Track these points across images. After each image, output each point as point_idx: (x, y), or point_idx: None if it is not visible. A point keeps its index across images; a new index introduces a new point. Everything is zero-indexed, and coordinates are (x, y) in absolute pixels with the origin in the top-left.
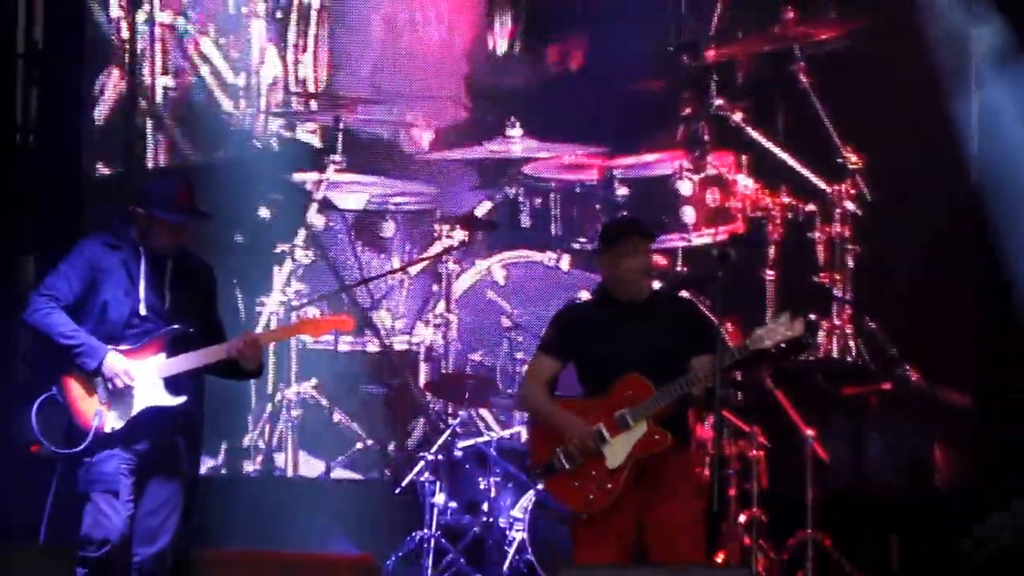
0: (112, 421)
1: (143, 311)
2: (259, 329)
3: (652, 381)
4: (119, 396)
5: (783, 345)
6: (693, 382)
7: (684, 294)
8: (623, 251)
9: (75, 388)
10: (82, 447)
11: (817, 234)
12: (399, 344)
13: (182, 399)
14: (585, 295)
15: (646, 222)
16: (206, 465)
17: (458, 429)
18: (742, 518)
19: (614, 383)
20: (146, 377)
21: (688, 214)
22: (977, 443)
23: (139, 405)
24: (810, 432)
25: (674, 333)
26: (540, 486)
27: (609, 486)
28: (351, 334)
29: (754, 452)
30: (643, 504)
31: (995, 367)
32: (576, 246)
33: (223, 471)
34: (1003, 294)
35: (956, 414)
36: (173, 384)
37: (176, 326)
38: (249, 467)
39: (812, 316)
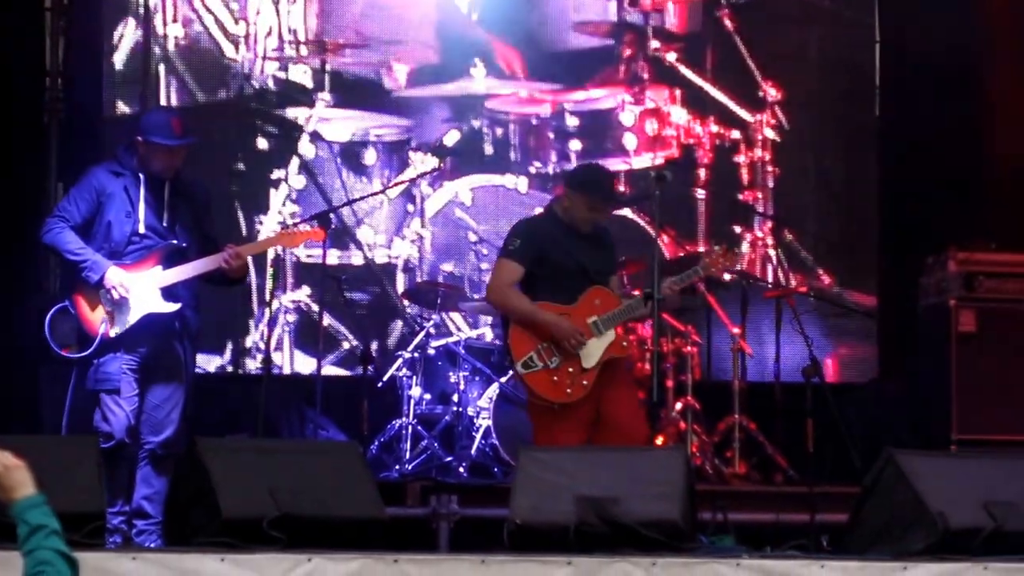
0: (116, 327)
1: (142, 229)
2: None
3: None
4: (120, 305)
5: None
6: (660, 303)
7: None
8: (586, 203)
9: (84, 300)
10: (90, 351)
11: (741, 158)
12: (380, 257)
13: (177, 306)
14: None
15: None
16: (214, 363)
17: (431, 330)
18: (678, 406)
19: (582, 293)
20: (144, 287)
21: (630, 141)
22: (880, 338)
23: (138, 312)
24: (736, 330)
25: (611, 255)
26: (504, 379)
27: (584, 382)
28: (337, 248)
29: (688, 348)
30: (599, 393)
31: (894, 272)
32: (532, 170)
33: (229, 369)
34: (900, 206)
35: (862, 313)
36: (169, 293)
37: (171, 241)
38: (251, 365)
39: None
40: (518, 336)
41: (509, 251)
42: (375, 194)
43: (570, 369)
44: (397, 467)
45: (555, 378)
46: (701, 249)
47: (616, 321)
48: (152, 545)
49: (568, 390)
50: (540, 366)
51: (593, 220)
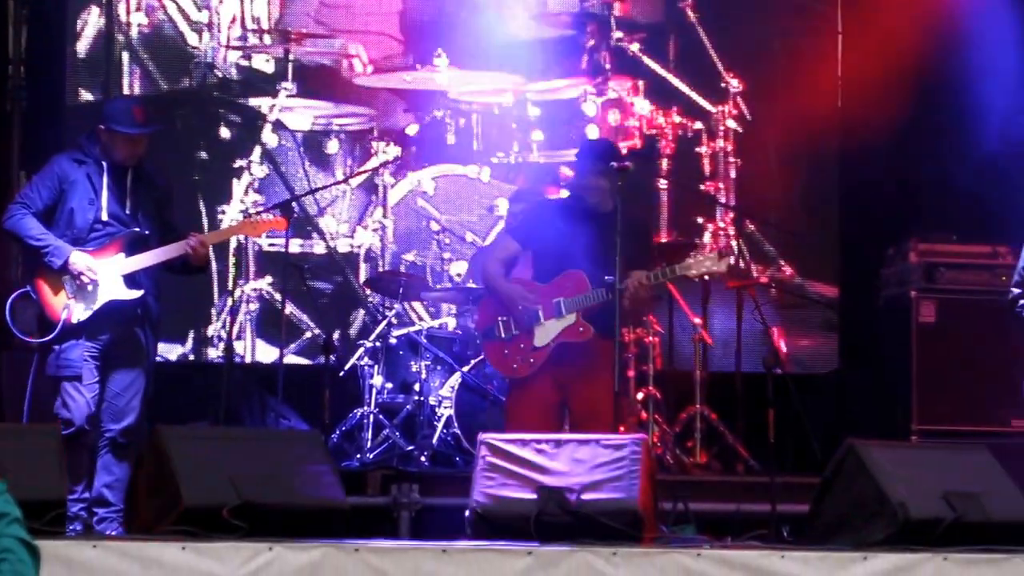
0: (78, 313)
1: (104, 217)
2: None
3: (592, 280)
4: (83, 291)
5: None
6: (621, 293)
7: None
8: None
9: (46, 286)
10: (52, 337)
11: (704, 148)
12: (342, 246)
13: (139, 293)
14: (503, 203)
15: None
16: (176, 352)
17: (393, 320)
18: (640, 395)
19: (559, 274)
20: (107, 274)
21: (592, 132)
22: (841, 329)
23: (101, 299)
24: (697, 320)
25: (624, 242)
26: (466, 369)
27: (532, 360)
28: (299, 237)
29: (650, 338)
30: (566, 378)
31: (855, 263)
32: (495, 160)
33: (190, 357)
34: (861, 198)
35: (823, 304)
36: (131, 280)
37: (134, 229)
38: (213, 354)
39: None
40: (485, 307)
41: (509, 228)
42: (338, 183)
43: (521, 345)
44: (358, 456)
45: (506, 351)
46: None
47: (578, 305)
48: (113, 533)
49: (515, 365)
50: (496, 337)
51: (599, 189)
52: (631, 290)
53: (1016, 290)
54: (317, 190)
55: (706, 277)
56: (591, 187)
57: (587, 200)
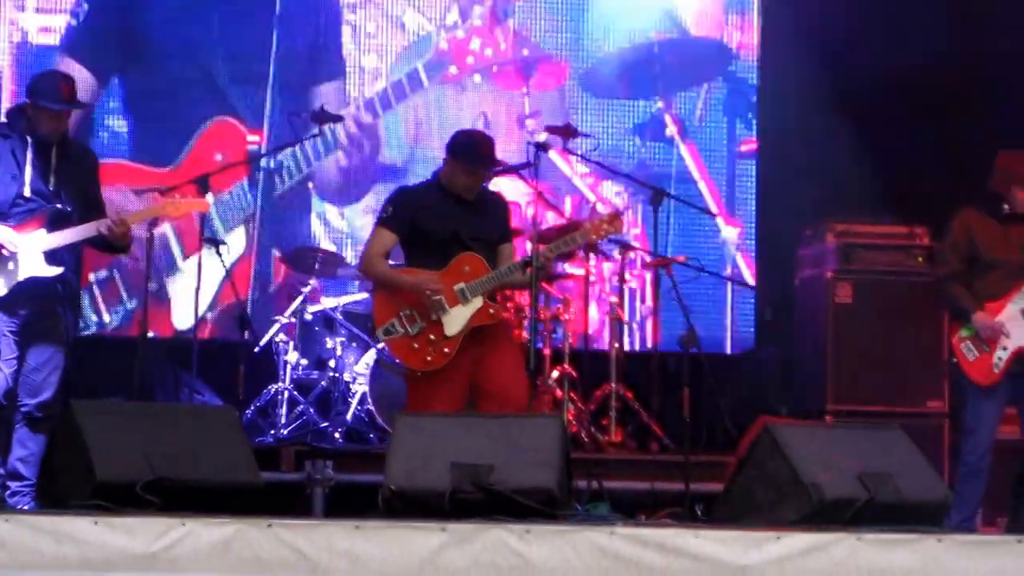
0: None
1: (27, 192)
2: None
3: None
4: (3, 267)
5: (602, 237)
6: (523, 267)
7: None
8: (464, 169)
9: None
10: None
11: None
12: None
13: (59, 270)
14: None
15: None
16: (92, 328)
17: (309, 296)
18: (555, 373)
19: (452, 259)
20: (28, 250)
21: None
22: (758, 309)
23: (21, 274)
24: (613, 298)
25: (497, 220)
26: (381, 345)
27: (446, 350)
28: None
29: (566, 316)
30: (474, 356)
31: (772, 243)
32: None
33: (106, 331)
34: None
35: (740, 284)
36: (52, 256)
37: (56, 205)
38: (129, 329)
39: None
40: (381, 303)
41: (382, 219)
42: (257, 158)
43: (431, 336)
44: (272, 432)
45: (415, 345)
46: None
47: (482, 288)
48: (25, 507)
49: (428, 357)
50: (400, 332)
51: (473, 186)
52: (543, 262)
53: (944, 271)
54: (231, 166)
55: (605, 239)
56: (463, 185)
57: (452, 189)
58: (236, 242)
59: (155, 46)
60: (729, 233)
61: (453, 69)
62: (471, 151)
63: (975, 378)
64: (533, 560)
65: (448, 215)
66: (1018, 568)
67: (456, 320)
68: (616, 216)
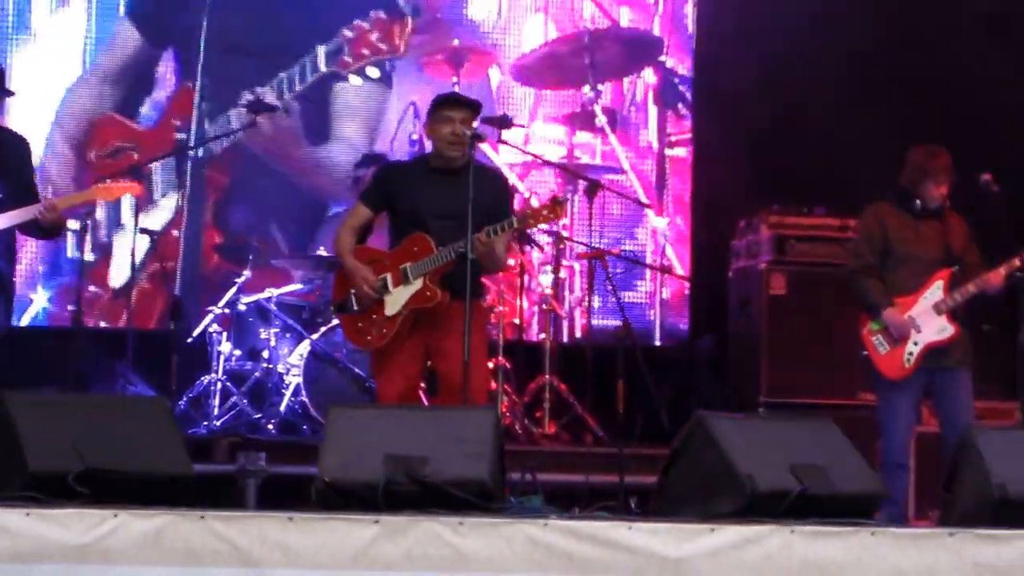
0: None
1: None
2: None
3: (446, 242)
4: None
5: (541, 222)
6: (459, 249)
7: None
8: (437, 119)
9: None
10: None
11: None
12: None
13: None
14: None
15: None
16: (26, 316)
17: (243, 286)
18: (489, 365)
19: (405, 239)
20: None
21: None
22: (692, 301)
23: None
24: (547, 290)
25: (477, 200)
26: (315, 336)
27: (384, 330)
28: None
29: (500, 307)
30: (428, 342)
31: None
32: None
33: (37, 322)
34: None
35: (674, 275)
36: None
37: None
38: (60, 319)
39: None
40: (339, 279)
41: (360, 193)
42: (190, 148)
43: (374, 316)
44: (205, 423)
45: (360, 324)
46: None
47: (423, 270)
48: None
49: (368, 337)
50: (350, 309)
51: (456, 136)
52: (478, 246)
53: (856, 264)
54: (167, 155)
55: (544, 224)
56: (440, 137)
57: (437, 158)
58: (166, 210)
59: None
60: (659, 223)
61: (348, 58)
62: (440, 97)
63: (886, 372)
64: (466, 552)
65: (418, 193)
66: (950, 561)
67: (396, 300)
68: (558, 203)
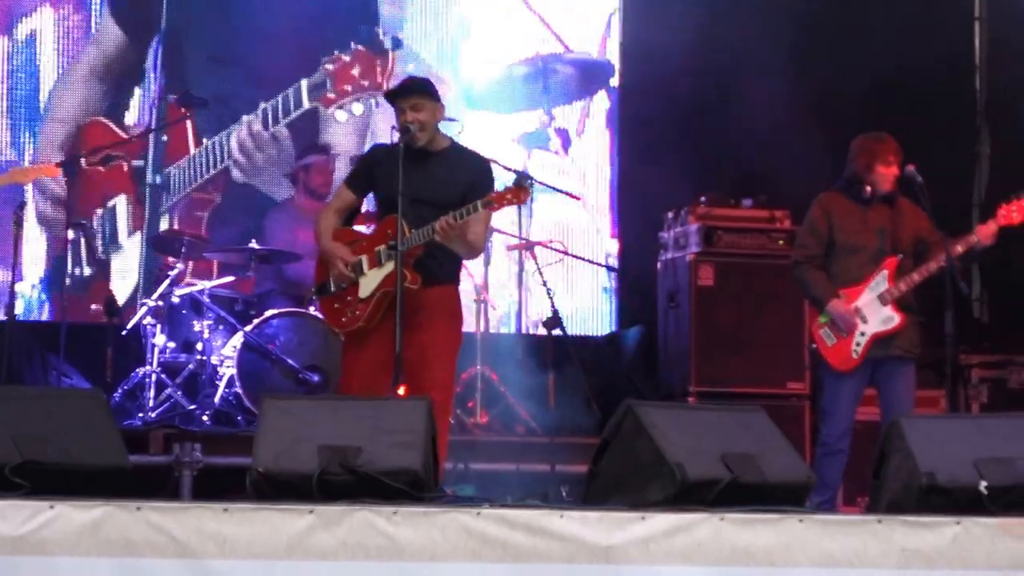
0: None
1: None
2: None
3: (420, 225)
4: None
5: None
6: (431, 233)
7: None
8: (399, 108)
9: None
10: None
11: None
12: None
13: None
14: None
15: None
16: None
17: (176, 279)
18: None
19: (381, 221)
20: None
21: None
22: (620, 291)
23: None
24: (478, 281)
25: (456, 182)
26: (248, 328)
27: (358, 312)
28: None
29: (486, 296)
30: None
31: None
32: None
33: None
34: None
35: (603, 266)
36: None
37: None
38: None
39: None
40: (319, 261)
41: (347, 176)
42: (126, 142)
43: (349, 298)
44: (140, 415)
45: (336, 305)
46: None
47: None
48: None
49: (343, 319)
50: (329, 291)
51: (412, 122)
52: (440, 230)
53: (800, 255)
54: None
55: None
56: (403, 125)
57: (412, 140)
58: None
59: None
60: (611, 247)
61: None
62: (386, 94)
63: (834, 363)
64: (400, 541)
65: (395, 177)
66: (878, 547)
67: (370, 283)
68: (522, 186)
